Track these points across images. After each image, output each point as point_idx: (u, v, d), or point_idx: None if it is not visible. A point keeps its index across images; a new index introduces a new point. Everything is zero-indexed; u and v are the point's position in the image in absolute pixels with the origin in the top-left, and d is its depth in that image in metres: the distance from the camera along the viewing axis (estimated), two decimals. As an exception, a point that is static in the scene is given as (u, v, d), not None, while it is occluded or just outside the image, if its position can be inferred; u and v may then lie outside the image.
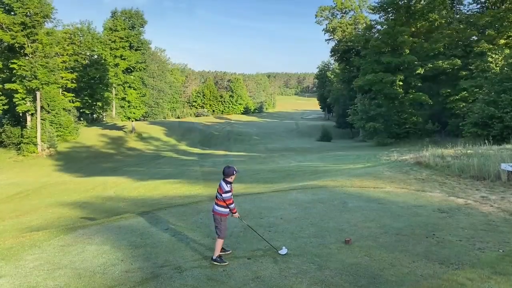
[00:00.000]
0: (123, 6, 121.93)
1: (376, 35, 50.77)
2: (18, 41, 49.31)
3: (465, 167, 15.84)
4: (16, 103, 52.25)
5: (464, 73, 42.93)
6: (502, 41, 40.38)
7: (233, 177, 7.55)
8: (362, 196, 12.98)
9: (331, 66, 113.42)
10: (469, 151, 19.23)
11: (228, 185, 7.50)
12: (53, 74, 54.29)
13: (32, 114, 54.29)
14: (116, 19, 69.37)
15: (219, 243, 7.47)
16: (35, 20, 50.00)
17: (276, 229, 9.51)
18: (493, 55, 38.51)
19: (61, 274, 6.96)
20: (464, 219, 10.18)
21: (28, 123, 54.53)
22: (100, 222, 10.70)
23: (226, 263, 7.30)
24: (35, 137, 53.03)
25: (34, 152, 52.82)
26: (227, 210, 7.56)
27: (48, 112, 58.02)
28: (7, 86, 51.20)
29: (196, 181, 24.14)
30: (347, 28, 74.56)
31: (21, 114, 57.04)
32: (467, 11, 52.33)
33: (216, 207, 7.58)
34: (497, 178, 14.38)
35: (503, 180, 14.06)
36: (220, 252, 7.61)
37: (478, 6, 49.68)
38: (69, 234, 9.47)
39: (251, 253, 7.89)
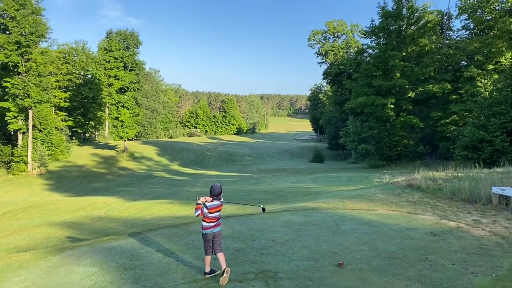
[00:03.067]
0: (118, 27, 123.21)
1: (367, 59, 51.54)
2: (12, 60, 49.27)
3: (457, 190, 15.91)
4: (8, 121, 51.93)
5: (454, 97, 43.65)
6: (490, 67, 41.23)
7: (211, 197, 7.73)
8: (355, 219, 12.93)
9: (324, 89, 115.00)
10: (460, 174, 19.36)
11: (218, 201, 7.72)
12: (46, 93, 54.22)
13: (23, 133, 53.89)
14: (111, 39, 69.83)
15: (223, 256, 7.68)
16: (30, 40, 50.16)
17: (268, 252, 9.40)
18: (482, 80, 39.27)
19: (48, 297, 6.79)
20: (456, 243, 10.16)
21: (19, 142, 54.06)
22: (89, 243, 10.51)
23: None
24: (26, 155, 52.50)
25: (24, 171, 52.25)
26: (220, 221, 7.82)
27: (40, 131, 57.67)
28: (-1, 104, 51.02)
29: (187, 202, 23.91)
30: (339, 52, 76.09)
31: (12, 133, 56.63)
32: (457, 37, 53.75)
33: (219, 227, 7.77)
34: (488, 202, 14.44)
35: (494, 204, 14.11)
36: (210, 274, 7.70)
37: (467, 32, 50.99)
38: (57, 255, 9.28)
39: (242, 276, 7.77)
